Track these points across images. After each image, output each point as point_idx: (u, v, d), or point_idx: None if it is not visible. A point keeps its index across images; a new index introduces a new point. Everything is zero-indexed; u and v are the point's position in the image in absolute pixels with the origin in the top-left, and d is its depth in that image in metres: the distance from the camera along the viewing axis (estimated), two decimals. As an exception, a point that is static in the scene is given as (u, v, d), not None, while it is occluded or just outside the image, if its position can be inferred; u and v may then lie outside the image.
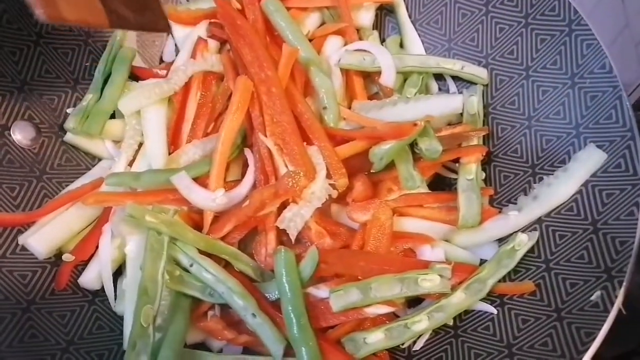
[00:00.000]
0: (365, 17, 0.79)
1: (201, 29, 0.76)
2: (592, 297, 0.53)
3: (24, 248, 0.61)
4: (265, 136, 0.64)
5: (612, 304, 0.51)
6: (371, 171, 0.64)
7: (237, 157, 0.67)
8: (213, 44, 0.74)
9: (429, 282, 0.57)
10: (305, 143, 0.64)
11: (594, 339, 0.50)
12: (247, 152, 0.66)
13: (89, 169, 0.70)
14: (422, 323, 0.58)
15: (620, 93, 0.60)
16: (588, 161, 0.61)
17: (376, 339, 0.57)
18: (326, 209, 0.65)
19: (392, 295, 0.57)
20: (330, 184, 0.63)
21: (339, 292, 0.56)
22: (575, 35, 0.66)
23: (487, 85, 0.74)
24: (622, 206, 0.56)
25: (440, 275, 0.57)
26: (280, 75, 0.66)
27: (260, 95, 0.65)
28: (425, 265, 0.60)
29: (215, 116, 0.73)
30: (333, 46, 0.74)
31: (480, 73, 0.73)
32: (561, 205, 0.62)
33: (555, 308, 0.55)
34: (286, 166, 0.62)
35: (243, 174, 0.65)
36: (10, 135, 0.65)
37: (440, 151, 0.63)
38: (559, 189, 0.62)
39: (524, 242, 0.61)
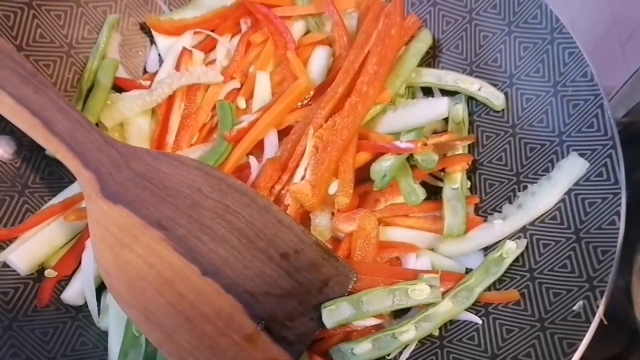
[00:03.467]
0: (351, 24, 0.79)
1: (185, 40, 0.76)
2: (575, 307, 0.53)
3: (5, 264, 0.60)
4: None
5: (594, 314, 0.51)
6: (373, 188, 0.65)
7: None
8: (198, 55, 0.74)
9: (419, 293, 0.57)
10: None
11: (576, 349, 0.50)
12: (252, 159, 0.67)
13: (72, 183, 0.70)
14: (409, 333, 0.58)
15: (602, 102, 0.60)
16: (571, 170, 0.61)
17: (364, 349, 0.57)
18: (307, 219, 0.65)
19: (384, 308, 0.57)
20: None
21: (331, 308, 0.56)
22: (557, 43, 0.66)
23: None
24: (604, 215, 0.56)
25: (430, 285, 0.57)
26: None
27: (345, 103, 0.66)
28: (413, 274, 0.60)
29: (200, 127, 0.73)
30: (321, 56, 0.74)
31: (496, 97, 0.70)
32: (545, 213, 0.62)
33: (539, 318, 0.56)
34: (305, 170, 0.63)
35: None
36: (-9, 150, 0.64)
37: (437, 162, 0.64)
38: (543, 197, 0.63)
39: (512, 249, 0.62)
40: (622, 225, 0.54)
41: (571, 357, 0.50)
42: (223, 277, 0.55)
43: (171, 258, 0.55)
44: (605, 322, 0.50)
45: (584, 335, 0.50)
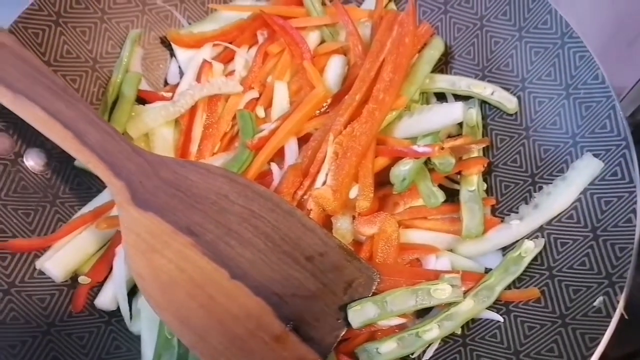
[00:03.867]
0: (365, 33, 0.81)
1: (205, 52, 0.79)
2: (595, 303, 0.55)
3: (41, 272, 0.63)
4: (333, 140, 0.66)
5: (615, 309, 0.52)
6: (393, 192, 0.67)
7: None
8: (218, 66, 0.76)
9: (441, 292, 0.59)
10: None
11: (598, 343, 0.51)
12: (274, 166, 0.69)
13: (100, 192, 0.72)
14: (432, 332, 0.59)
15: (614, 103, 0.62)
16: (586, 170, 0.63)
17: (389, 348, 0.59)
18: (329, 223, 0.67)
19: (408, 308, 0.59)
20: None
21: (356, 308, 0.58)
22: (567, 47, 0.68)
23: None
24: (620, 213, 0.58)
25: (451, 285, 0.59)
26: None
27: (363, 110, 0.68)
28: (434, 275, 0.62)
29: (221, 136, 0.75)
30: (336, 64, 0.76)
31: (509, 101, 0.72)
32: (561, 213, 0.64)
33: (560, 314, 0.57)
34: (326, 176, 0.65)
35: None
36: (23, 163, 0.67)
37: (454, 164, 0.65)
38: (558, 197, 0.64)
39: (530, 248, 0.63)
40: (638, 222, 0.56)
41: (594, 351, 0.51)
42: (251, 280, 0.57)
43: (201, 262, 0.57)
44: (626, 317, 0.52)
45: (606, 330, 0.52)
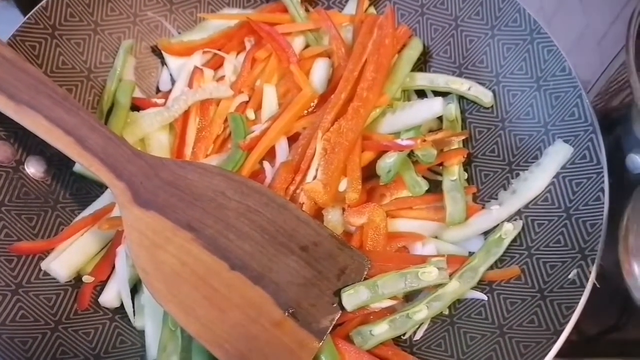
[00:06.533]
0: (347, 36, 0.86)
1: (195, 59, 0.82)
2: (570, 276, 0.59)
3: (46, 273, 0.65)
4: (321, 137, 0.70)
5: (587, 279, 0.57)
6: (380, 183, 0.72)
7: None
8: (209, 72, 0.80)
9: (428, 275, 0.63)
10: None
11: (573, 311, 0.56)
12: (266, 164, 0.73)
13: (99, 196, 0.75)
14: (422, 312, 0.63)
15: (580, 92, 0.67)
16: (557, 155, 0.68)
17: (381, 330, 0.62)
18: (320, 215, 0.71)
19: (398, 290, 0.63)
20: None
21: (350, 292, 0.62)
22: (536, 42, 0.73)
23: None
24: (590, 193, 0.62)
25: (438, 268, 0.63)
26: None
27: (348, 108, 0.72)
28: (421, 260, 0.66)
29: (214, 139, 0.79)
30: (321, 67, 0.80)
31: (485, 95, 0.77)
32: (537, 196, 0.68)
33: (539, 289, 0.61)
34: (316, 171, 0.68)
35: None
36: (25, 170, 0.69)
37: (435, 155, 0.70)
38: (534, 182, 0.69)
39: (510, 230, 0.67)
40: (606, 200, 0.60)
41: (569, 319, 0.55)
42: (250, 270, 0.60)
43: (202, 256, 0.60)
44: (598, 285, 0.56)
45: (580, 298, 0.56)
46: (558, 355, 0.55)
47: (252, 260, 0.61)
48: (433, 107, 0.76)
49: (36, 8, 0.72)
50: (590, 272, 0.57)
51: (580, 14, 1.08)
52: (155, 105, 0.80)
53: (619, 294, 0.65)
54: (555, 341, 0.55)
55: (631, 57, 0.54)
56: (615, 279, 0.63)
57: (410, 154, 0.72)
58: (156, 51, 0.86)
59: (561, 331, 0.55)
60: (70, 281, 0.67)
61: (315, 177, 0.69)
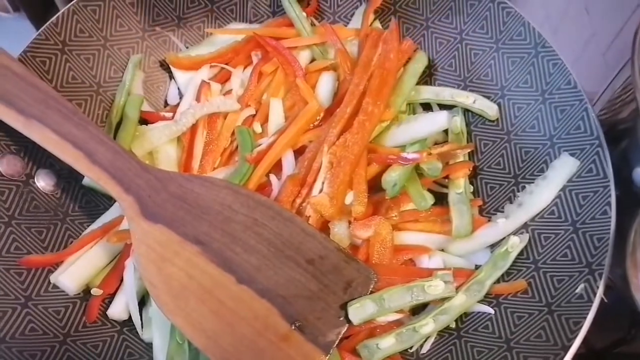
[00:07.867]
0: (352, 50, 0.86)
1: (203, 73, 0.83)
2: (577, 290, 0.59)
3: (55, 286, 0.66)
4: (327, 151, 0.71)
5: (595, 294, 0.57)
6: (386, 197, 0.72)
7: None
8: (216, 86, 0.81)
9: (435, 289, 0.63)
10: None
11: (581, 326, 0.55)
12: (272, 177, 0.73)
13: (107, 209, 0.75)
14: (428, 326, 0.63)
15: (586, 105, 0.67)
16: (564, 168, 0.68)
17: (388, 343, 0.62)
18: (327, 228, 0.71)
19: (404, 304, 0.63)
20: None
21: (356, 305, 0.62)
22: (541, 56, 0.73)
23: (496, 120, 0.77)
24: (597, 206, 0.62)
25: (444, 281, 0.63)
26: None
27: (354, 122, 0.72)
28: (427, 273, 0.66)
29: (221, 152, 0.80)
30: (327, 80, 0.81)
31: (490, 108, 0.77)
32: (543, 209, 0.68)
33: (546, 303, 0.61)
34: (322, 184, 0.69)
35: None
36: (34, 183, 0.70)
37: (441, 168, 0.70)
38: (540, 195, 0.69)
39: (516, 244, 0.67)
40: (613, 213, 0.60)
41: (577, 334, 0.55)
42: (257, 283, 0.61)
43: (209, 269, 0.60)
44: (606, 300, 0.56)
45: (588, 313, 0.56)
46: (567, 369, 0.55)
47: (258, 274, 0.61)
48: (438, 120, 0.76)
49: (47, 24, 0.74)
50: (597, 287, 0.57)
51: (586, 23, 1.08)
52: (164, 118, 0.81)
53: (627, 308, 0.64)
54: (562, 357, 0.55)
55: (637, 72, 0.54)
56: (623, 292, 0.63)
57: (416, 168, 0.72)
58: (164, 65, 0.87)
59: (569, 347, 0.55)
60: (79, 294, 0.68)
61: (321, 191, 0.69)
